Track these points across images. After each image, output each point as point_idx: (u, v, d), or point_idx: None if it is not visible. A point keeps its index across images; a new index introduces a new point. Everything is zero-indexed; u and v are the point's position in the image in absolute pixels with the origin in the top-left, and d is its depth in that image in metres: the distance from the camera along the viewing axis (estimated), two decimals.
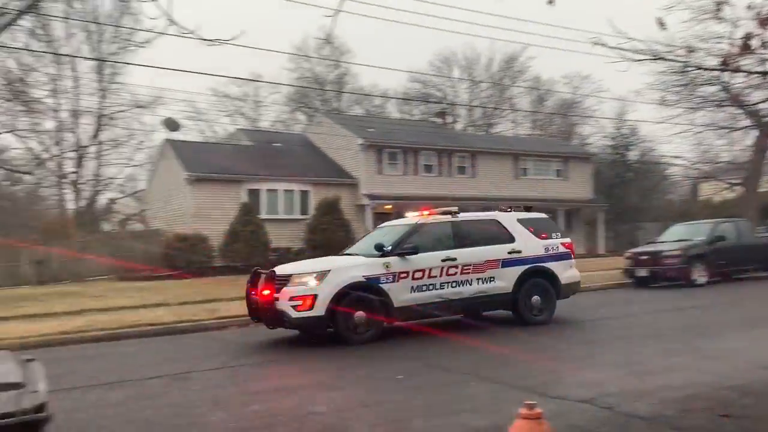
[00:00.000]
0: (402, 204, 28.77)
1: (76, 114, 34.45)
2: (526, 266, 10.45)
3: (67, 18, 28.48)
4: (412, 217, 10.91)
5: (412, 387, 6.55)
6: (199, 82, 73.00)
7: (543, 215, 11.83)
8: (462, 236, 10.37)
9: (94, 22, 31.18)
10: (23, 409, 2.38)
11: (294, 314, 9.03)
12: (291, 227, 26.27)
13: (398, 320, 9.64)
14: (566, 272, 10.92)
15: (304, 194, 27.45)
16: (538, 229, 10.93)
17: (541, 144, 38.98)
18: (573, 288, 11.19)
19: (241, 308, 13.20)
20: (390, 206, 28.68)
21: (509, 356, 8.10)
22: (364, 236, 13.06)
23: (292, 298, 9.04)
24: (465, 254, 10.08)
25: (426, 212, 10.61)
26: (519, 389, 6.16)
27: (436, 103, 47.51)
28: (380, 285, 9.39)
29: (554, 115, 48.86)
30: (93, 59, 33.33)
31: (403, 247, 9.80)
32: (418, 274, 9.69)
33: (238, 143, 32.74)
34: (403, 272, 9.59)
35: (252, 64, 40.00)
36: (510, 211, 11.14)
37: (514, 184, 32.03)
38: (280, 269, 9.68)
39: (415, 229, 10.31)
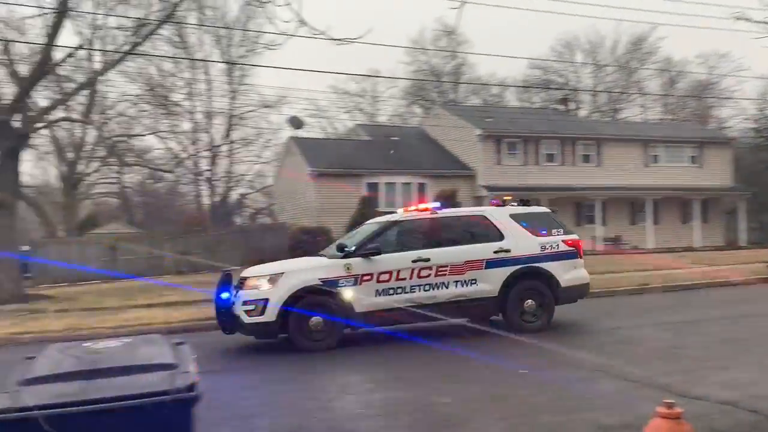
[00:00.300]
0: (522, 195, 28.18)
1: (209, 115, 36.84)
2: (516, 267, 9.30)
3: (201, 25, 30.43)
4: (419, 211, 9.79)
5: (538, 382, 6.40)
6: (320, 80, 75.36)
7: (543, 209, 10.55)
8: (441, 234, 9.53)
9: (225, 27, 33.12)
10: (177, 387, 2.60)
11: (246, 319, 8.54)
12: None
13: (361, 326, 8.91)
14: (568, 273, 9.55)
15: (422, 186, 27.59)
16: (535, 226, 9.71)
17: (672, 129, 36.54)
18: (578, 291, 9.78)
19: None
20: (509, 197, 28.13)
21: (639, 353, 7.71)
22: (349, 233, 11.82)
23: (245, 303, 8.57)
24: (441, 254, 9.16)
25: (412, 207, 9.83)
26: (652, 387, 5.84)
27: (557, 89, 45.93)
28: (338, 289, 8.69)
29: (688, 98, 45.60)
30: (223, 62, 35.48)
31: (367, 247, 9.02)
32: (384, 277, 8.89)
33: (357, 138, 33.49)
34: (366, 274, 8.83)
35: (369, 59, 40.70)
36: (504, 205, 10.06)
37: (644, 173, 30.30)
38: (246, 271, 9.24)
39: (387, 226, 9.55)
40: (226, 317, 8.67)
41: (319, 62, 44.51)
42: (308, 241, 24.30)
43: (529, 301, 9.32)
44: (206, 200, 37.91)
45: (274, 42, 26.87)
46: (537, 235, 9.60)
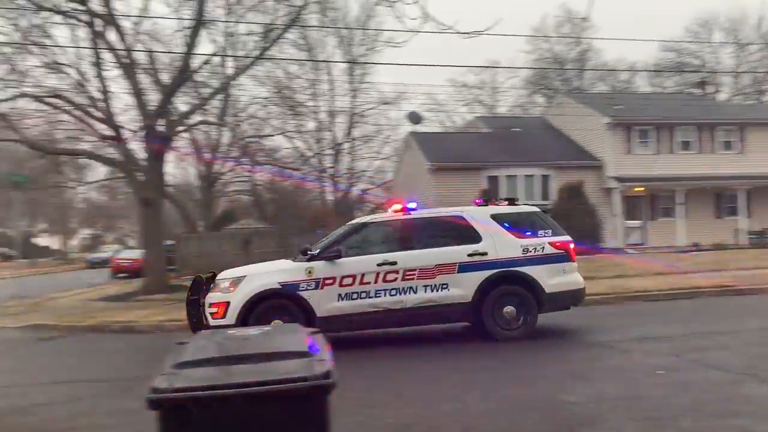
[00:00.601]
0: (655, 186, 26.59)
1: (332, 114, 38.00)
2: (493, 271, 8.73)
3: (323, 27, 31.43)
4: (393, 213, 9.32)
5: (675, 383, 6.03)
6: (438, 73, 75.33)
7: (530, 208, 9.70)
8: (413, 237, 9.03)
9: (347, 28, 33.99)
10: (314, 374, 2.72)
11: (211, 321, 8.52)
12: None
13: (327, 330, 8.38)
14: (554, 278, 8.86)
15: (545, 179, 26.80)
16: (520, 227, 9.07)
17: None
18: (569, 297, 9.02)
19: None
20: (641, 188, 26.67)
21: None
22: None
23: (210, 305, 8.61)
24: (409, 257, 8.74)
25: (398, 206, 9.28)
26: None
27: (693, 72, 42.79)
28: (299, 292, 8.54)
29: None
30: (345, 62, 36.44)
31: (329, 250, 8.81)
32: (347, 281, 8.62)
33: (476, 131, 33.15)
34: (328, 278, 8.61)
35: (488, 50, 40.05)
36: (486, 205, 9.50)
37: None
38: (219, 274, 9.12)
39: (356, 228, 9.30)
40: (197, 318, 8.67)
41: (437, 56, 44.42)
42: None
43: (509, 307, 8.74)
44: (330, 196, 39.19)
45: (393, 39, 27.14)
46: (520, 237, 8.97)
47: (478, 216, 9.09)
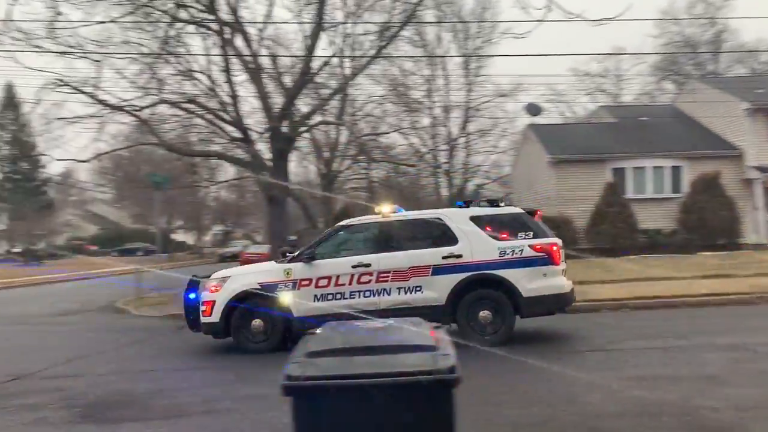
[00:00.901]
0: None
1: (447, 109, 37.90)
2: (467, 274, 8.51)
3: (439, 22, 31.44)
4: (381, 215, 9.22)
5: None
6: (558, 63, 72.93)
7: (513, 210, 9.30)
8: (389, 239, 9.00)
9: (464, 21, 33.77)
10: (439, 368, 2.75)
11: (202, 318, 9.00)
12: (661, 207, 24.38)
13: (300, 331, 8.14)
14: (533, 282, 8.47)
15: (676, 170, 25.14)
16: (500, 229, 8.74)
17: None
18: (550, 302, 8.52)
19: (611, 292, 12.91)
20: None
21: None
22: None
23: (201, 303, 9.06)
24: (383, 259, 8.74)
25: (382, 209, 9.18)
26: None
27: None
28: (276, 292, 8.82)
29: None
30: (460, 56, 36.20)
31: (305, 252, 9.04)
32: (322, 282, 8.78)
33: (599, 121, 31.74)
34: (305, 279, 8.83)
35: (612, 37, 38.15)
36: (467, 206, 9.19)
37: None
38: (213, 274, 9.52)
39: (336, 231, 9.49)
40: (193, 316, 9.20)
41: (557, 45, 42.96)
42: None
43: (485, 311, 8.48)
44: (445, 192, 39.13)
45: (511, 30, 26.57)
46: (499, 239, 8.68)
47: (457, 218, 8.95)
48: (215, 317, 8.99)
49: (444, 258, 8.68)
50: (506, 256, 8.60)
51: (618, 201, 23.73)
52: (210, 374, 7.87)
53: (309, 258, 9.00)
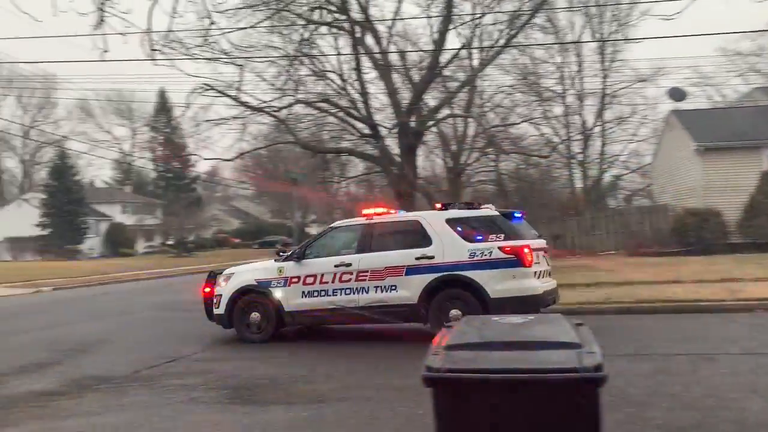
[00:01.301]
0: None
1: (581, 97, 36.32)
2: (438, 274, 8.83)
3: (571, 8, 30.18)
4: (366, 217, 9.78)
5: None
6: (703, 43, 67.48)
7: (488, 212, 9.35)
8: (371, 240, 9.47)
9: (597, 6, 32.19)
10: (584, 366, 2.64)
11: (214, 310, 10.02)
12: None
13: (291, 324, 9.78)
14: (501, 284, 8.60)
15: None
16: (473, 231, 8.96)
17: None
18: (517, 303, 8.30)
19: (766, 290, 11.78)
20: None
21: None
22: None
23: (215, 296, 10.02)
24: (362, 260, 9.30)
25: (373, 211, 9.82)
26: None
27: None
28: (270, 288, 9.63)
29: None
30: (595, 41, 34.54)
31: (295, 252, 9.94)
32: (309, 279, 9.49)
33: (754, 105, 28.97)
34: (294, 277, 9.58)
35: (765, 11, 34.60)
36: (445, 209, 9.50)
37: None
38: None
39: (325, 232, 10.32)
40: (211, 308, 10.10)
41: (700, 23, 39.75)
42: (694, 225, 22.15)
43: (455, 311, 8.63)
44: (579, 183, 37.60)
45: (651, 11, 24.96)
46: (471, 241, 8.88)
47: (433, 220, 9.26)
48: (221, 309, 9.94)
49: (417, 259, 9.04)
50: (475, 258, 8.81)
51: None
52: (349, 363, 8.12)
53: (298, 257, 9.79)
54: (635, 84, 34.79)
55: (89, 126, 75.97)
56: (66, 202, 51.76)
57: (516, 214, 9.63)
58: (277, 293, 9.67)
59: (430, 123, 21.57)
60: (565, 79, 35.63)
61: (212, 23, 9.81)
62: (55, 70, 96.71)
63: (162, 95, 62.31)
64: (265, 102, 19.08)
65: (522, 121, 30.79)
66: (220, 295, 10.00)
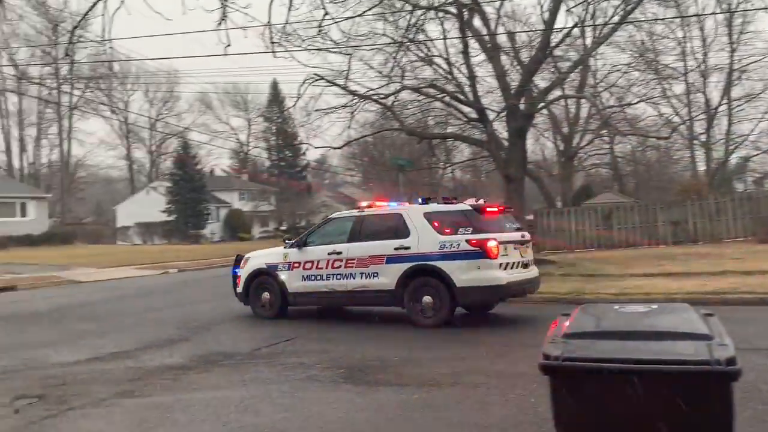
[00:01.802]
0: None
1: (705, 74, 33.93)
2: (412, 264, 9.61)
3: None
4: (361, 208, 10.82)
5: None
6: None
7: (462, 207, 9.96)
8: (361, 231, 10.36)
9: None
10: (716, 359, 2.50)
11: (237, 290, 11.46)
12: None
13: (293, 304, 10.85)
14: (466, 274, 9.28)
15: None
16: (447, 224, 9.62)
17: None
18: (481, 293, 9.39)
19: None
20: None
21: None
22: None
23: (238, 277, 11.43)
24: (351, 248, 10.22)
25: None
26: None
27: None
28: (276, 272, 10.84)
29: None
30: (721, 13, 32.03)
31: (298, 240, 11.07)
32: (308, 265, 10.56)
33: None
34: (296, 262, 10.70)
35: None
36: (426, 203, 10.28)
37: None
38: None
39: (324, 222, 11.50)
40: (235, 287, 11.54)
41: None
42: None
43: (427, 297, 9.48)
44: (702, 165, 35.22)
45: None
46: (444, 234, 9.52)
47: (413, 214, 9.98)
48: (241, 288, 11.37)
49: (395, 249, 9.81)
50: (445, 249, 9.46)
51: None
52: (459, 347, 8.14)
53: (300, 245, 10.88)
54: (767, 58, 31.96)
55: (209, 117, 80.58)
56: (189, 189, 55.18)
57: (490, 209, 10.16)
58: (282, 276, 10.84)
59: (541, 105, 20.98)
60: (687, 54, 33.39)
61: (326, 14, 10.05)
62: (178, 65, 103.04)
63: (275, 87, 64.81)
64: (372, 90, 19.33)
65: (639, 101, 29.26)
66: (240, 276, 11.40)
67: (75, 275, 22.00)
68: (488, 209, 10.05)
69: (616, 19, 18.59)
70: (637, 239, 24.29)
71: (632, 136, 29.56)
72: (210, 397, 6.00)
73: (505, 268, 9.46)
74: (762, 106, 34.44)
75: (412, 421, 5.09)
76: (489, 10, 18.62)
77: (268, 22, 8.24)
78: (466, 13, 18.02)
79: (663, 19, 25.24)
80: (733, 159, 36.16)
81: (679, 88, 33.98)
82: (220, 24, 7.34)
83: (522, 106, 18.94)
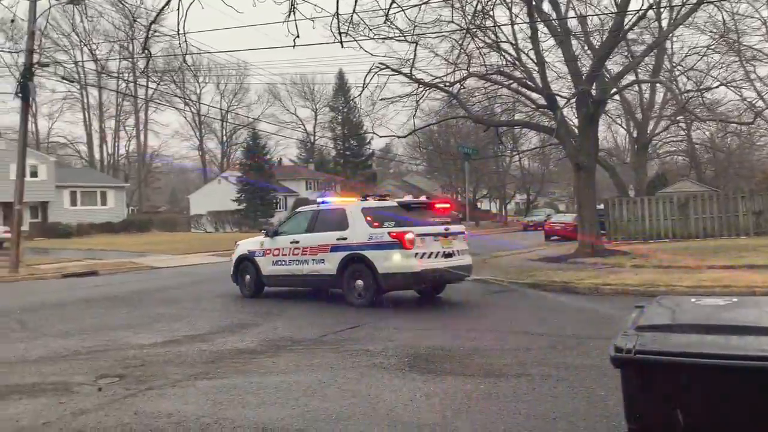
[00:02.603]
0: None
1: None
2: (348, 252, 11.00)
3: None
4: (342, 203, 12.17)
5: None
6: None
7: (390, 203, 11.56)
8: (317, 222, 11.83)
9: None
10: None
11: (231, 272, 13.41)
12: None
13: (267, 285, 12.67)
14: (387, 261, 10.61)
15: None
16: (377, 218, 10.95)
17: None
18: (400, 278, 10.75)
19: None
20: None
21: None
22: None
23: (231, 261, 13.48)
24: (306, 238, 11.75)
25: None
26: None
27: None
28: (254, 257, 12.66)
29: None
30: None
31: (272, 230, 12.94)
32: (276, 252, 12.28)
33: None
34: (268, 249, 12.46)
35: None
36: (365, 200, 11.67)
37: None
38: None
39: (291, 216, 13.41)
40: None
41: None
42: None
43: (359, 281, 10.90)
44: None
45: None
46: (373, 227, 10.84)
47: (353, 209, 11.33)
48: (231, 271, 13.34)
49: (337, 240, 11.24)
50: (372, 240, 10.81)
51: None
52: (525, 338, 8.05)
53: (272, 234, 12.61)
54: None
55: (276, 108, 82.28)
56: (258, 179, 56.57)
57: (413, 205, 11.64)
58: (259, 261, 12.57)
59: (613, 91, 20.33)
60: None
61: (393, 1, 10.03)
62: (247, 57, 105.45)
63: (341, 76, 65.40)
64: (437, 78, 19.19)
65: (719, 85, 27.81)
66: (232, 260, 13.33)
67: (152, 261, 23.02)
68: (413, 205, 11.60)
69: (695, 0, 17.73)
70: (715, 230, 23.23)
71: (711, 122, 28.12)
72: (279, 380, 6.15)
73: (421, 257, 10.70)
74: None
75: (477, 411, 5.07)
76: None
77: (336, 12, 8.28)
78: None
79: None
80: None
81: (763, 70, 32.12)
82: (288, 16, 7.45)
83: (593, 92, 18.40)
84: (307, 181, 66.08)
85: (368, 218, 11.03)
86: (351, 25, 9.51)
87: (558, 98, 19.23)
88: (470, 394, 5.54)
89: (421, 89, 19.10)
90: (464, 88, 20.83)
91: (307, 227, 11.99)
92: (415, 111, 19.69)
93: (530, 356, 6.95)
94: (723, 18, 21.46)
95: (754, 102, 32.19)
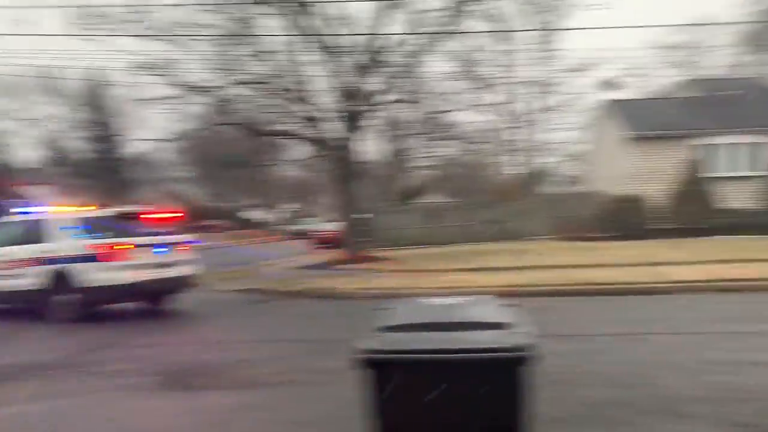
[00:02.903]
0: None
1: (518, 85, 37.04)
2: (53, 266, 10.37)
3: None
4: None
5: None
6: (638, 35, 69.71)
7: (108, 212, 10.99)
8: (18, 234, 11.10)
9: None
10: (509, 346, 2.74)
11: None
12: (745, 186, 23.14)
13: None
14: (85, 275, 10.16)
15: (757, 147, 23.80)
16: (91, 229, 10.48)
17: None
18: (112, 292, 10.24)
19: (689, 273, 12.38)
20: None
21: None
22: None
23: None
24: (8, 252, 10.96)
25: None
26: None
27: None
28: None
29: None
30: (533, 30, 35.12)
31: None
32: None
33: (684, 96, 30.18)
34: None
35: (701, 4, 35.87)
36: (85, 209, 11.10)
37: None
38: None
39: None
40: None
41: (636, 17, 41.03)
42: (623, 211, 23.09)
43: (65, 296, 10.21)
44: (516, 170, 38.44)
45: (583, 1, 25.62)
46: (78, 239, 10.34)
47: (61, 218, 10.77)
48: None
49: (42, 252, 10.56)
50: (77, 253, 10.26)
51: (697, 180, 22.86)
52: (285, 346, 8.09)
53: None
54: (572, 73, 35.75)
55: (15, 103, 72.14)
56: None
57: (133, 215, 11.12)
58: None
59: (373, 107, 21.52)
60: (505, 67, 36.17)
61: None
62: None
63: (91, 74, 59.70)
64: (194, 83, 18.60)
65: (459, 109, 31.14)
66: None
67: None
68: (120, 216, 10.92)
69: (446, 28, 19.52)
70: (459, 237, 25.89)
71: (454, 141, 31.42)
72: (16, 411, 5.39)
73: (135, 269, 10.30)
74: (567, 116, 38.47)
75: (233, 422, 4.99)
76: (330, 11, 18.71)
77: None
78: (297, 8, 17.94)
79: (479, 32, 27.09)
80: (543, 164, 39.91)
81: (497, 97, 36.74)
82: None
83: (354, 108, 19.33)
84: (48, 187, 58.90)
85: (80, 229, 10.49)
86: (96, 19, 8.73)
87: (321, 112, 19.84)
88: (226, 408, 5.42)
89: (183, 92, 18.32)
90: (233, 95, 20.44)
91: (11, 239, 11.15)
92: (179, 115, 18.80)
93: (289, 364, 7.01)
94: (470, 48, 23.98)
95: (489, 125, 36.67)
